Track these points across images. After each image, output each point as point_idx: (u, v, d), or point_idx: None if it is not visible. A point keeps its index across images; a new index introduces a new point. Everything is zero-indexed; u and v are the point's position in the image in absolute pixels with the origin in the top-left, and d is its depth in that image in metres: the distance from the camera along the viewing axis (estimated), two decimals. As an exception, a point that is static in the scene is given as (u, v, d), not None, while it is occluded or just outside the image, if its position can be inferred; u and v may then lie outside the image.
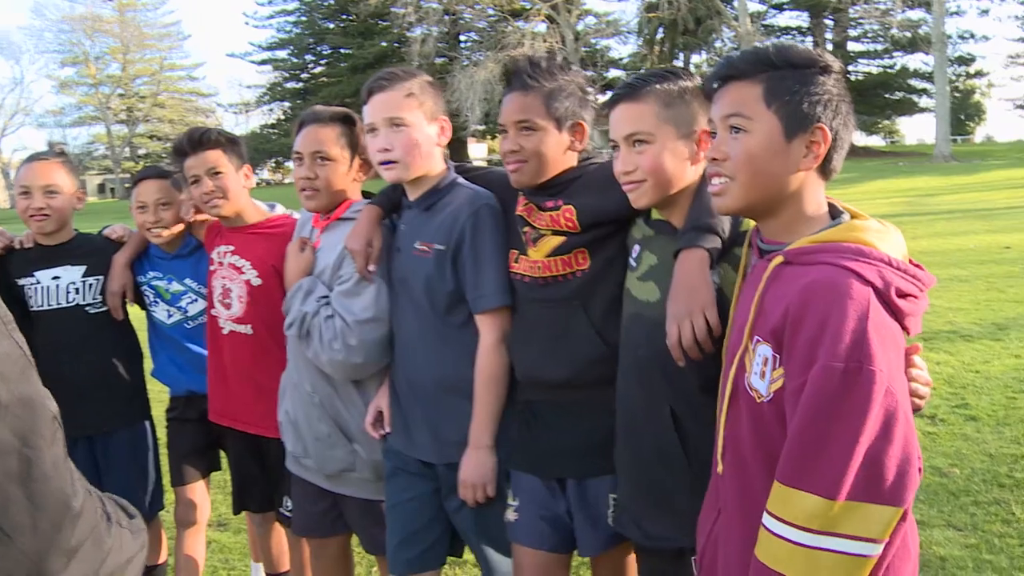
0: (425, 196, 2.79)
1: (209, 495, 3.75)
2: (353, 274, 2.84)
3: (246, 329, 3.29)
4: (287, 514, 3.38)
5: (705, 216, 2.16)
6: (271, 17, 57.04)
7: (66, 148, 3.74)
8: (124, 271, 3.54)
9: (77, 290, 3.52)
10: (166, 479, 3.73)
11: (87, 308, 3.53)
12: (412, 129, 2.70)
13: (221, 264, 3.34)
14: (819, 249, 1.69)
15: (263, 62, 58.49)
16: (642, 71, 2.37)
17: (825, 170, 1.79)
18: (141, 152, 62.43)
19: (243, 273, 3.28)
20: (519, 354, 2.65)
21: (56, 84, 62.18)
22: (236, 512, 3.73)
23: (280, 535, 3.71)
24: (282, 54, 57.56)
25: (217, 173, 3.22)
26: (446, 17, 42.44)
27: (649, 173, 2.22)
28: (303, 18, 55.91)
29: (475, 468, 2.67)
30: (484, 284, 2.66)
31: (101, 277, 3.54)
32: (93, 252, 3.58)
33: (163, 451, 3.72)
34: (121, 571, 1.22)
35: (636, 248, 2.42)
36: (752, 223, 1.98)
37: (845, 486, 1.52)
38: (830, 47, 52.58)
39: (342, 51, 51.89)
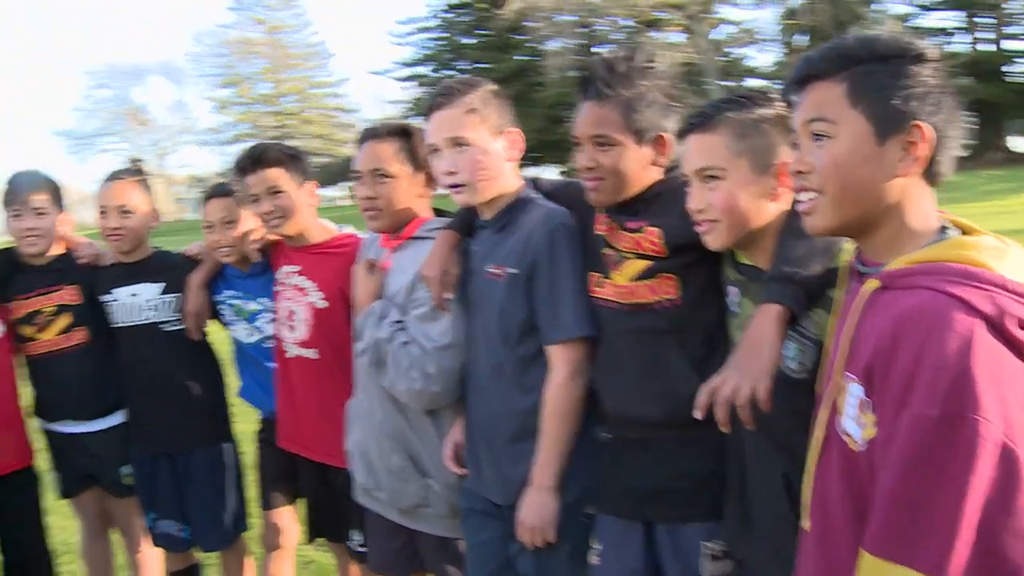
0: (498, 216, 2.59)
1: (297, 519, 3.64)
2: (429, 298, 2.67)
3: (311, 353, 3.17)
4: (357, 549, 3.25)
5: (786, 264, 1.92)
6: (411, 34, 58.31)
7: (144, 165, 3.74)
8: (199, 291, 3.50)
9: (154, 308, 3.53)
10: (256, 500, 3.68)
11: (162, 325, 3.53)
12: (476, 148, 2.50)
13: (285, 285, 3.24)
14: (917, 271, 1.45)
15: (407, 78, 59.78)
16: (716, 99, 2.13)
17: (931, 175, 1.54)
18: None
19: (307, 295, 3.16)
20: (607, 388, 2.42)
21: (216, 104, 65.17)
22: (310, 540, 3.63)
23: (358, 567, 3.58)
24: (424, 70, 58.67)
25: (277, 192, 3.11)
26: (581, 30, 42.35)
27: (722, 212, 2.01)
28: (443, 35, 56.92)
29: (535, 510, 2.45)
30: (560, 313, 2.43)
31: (178, 295, 3.52)
32: (171, 269, 3.57)
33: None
34: None
35: (734, 292, 2.18)
36: (848, 258, 1.77)
37: (953, 564, 1.25)
38: (991, 48, 49.87)
39: (480, 66, 52.61)
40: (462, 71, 57.00)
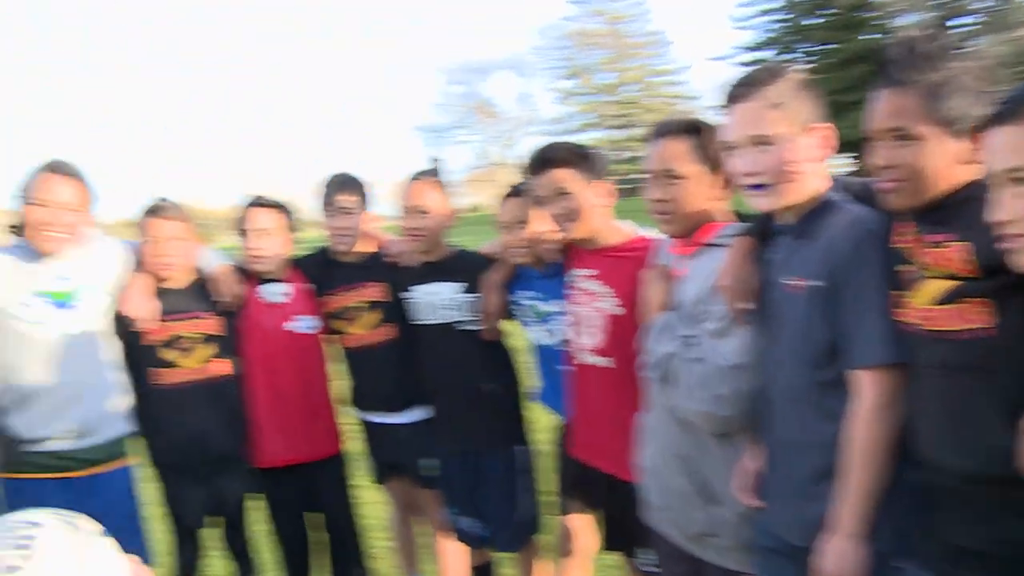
0: (799, 221, 2.28)
1: (595, 527, 3.49)
2: (724, 312, 2.44)
3: (606, 362, 3.03)
4: (644, 568, 3.06)
5: None
6: (752, 17, 56.94)
7: (440, 165, 3.79)
8: (496, 290, 3.49)
9: (452, 307, 3.58)
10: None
11: (457, 325, 3.57)
12: (781, 147, 2.20)
13: (577, 289, 3.12)
14: None
15: (749, 63, 58.46)
16: None
17: None
18: (634, 155, 65.44)
19: (600, 300, 3.02)
20: (915, 429, 2.06)
21: (559, 95, 67.30)
22: (607, 549, 3.47)
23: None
24: (766, 54, 57.06)
25: (564, 193, 2.99)
26: (937, 2, 38.99)
27: None
28: (786, 16, 55.09)
29: (836, 559, 2.12)
30: (867, 333, 2.10)
31: (477, 295, 3.54)
32: (469, 269, 3.59)
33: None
34: None
35: None
36: None
37: None
38: None
39: (825, 47, 50.32)
40: (807, 53, 54.79)
